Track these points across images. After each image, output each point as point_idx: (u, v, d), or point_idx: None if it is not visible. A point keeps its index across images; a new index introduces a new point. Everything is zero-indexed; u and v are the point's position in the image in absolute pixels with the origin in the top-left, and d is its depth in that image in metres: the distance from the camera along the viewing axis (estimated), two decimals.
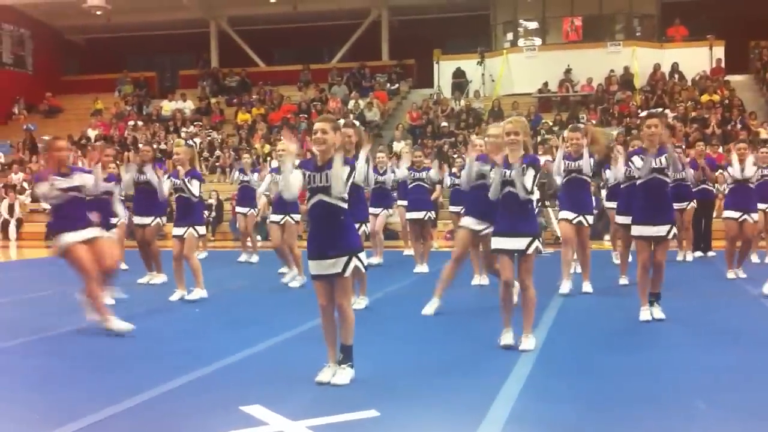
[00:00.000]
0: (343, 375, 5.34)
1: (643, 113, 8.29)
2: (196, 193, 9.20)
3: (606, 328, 7.31)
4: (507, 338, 6.36)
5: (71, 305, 9.27)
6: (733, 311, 8.35)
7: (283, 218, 10.51)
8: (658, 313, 7.43)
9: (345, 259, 5.27)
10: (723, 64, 25.13)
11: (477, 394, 5.04)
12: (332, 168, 5.25)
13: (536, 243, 6.27)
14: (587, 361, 6.01)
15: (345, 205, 5.32)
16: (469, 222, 8.03)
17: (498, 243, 6.39)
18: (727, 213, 10.65)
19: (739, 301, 8.91)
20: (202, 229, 9.45)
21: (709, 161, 13.10)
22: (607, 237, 17.45)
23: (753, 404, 4.86)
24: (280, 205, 10.49)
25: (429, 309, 7.87)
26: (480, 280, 9.95)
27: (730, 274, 10.50)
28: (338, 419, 4.56)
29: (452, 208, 12.89)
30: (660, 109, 9.10)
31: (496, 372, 5.56)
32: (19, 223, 21.76)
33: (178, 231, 9.19)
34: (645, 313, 7.44)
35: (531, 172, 6.19)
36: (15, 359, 6.50)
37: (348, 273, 5.28)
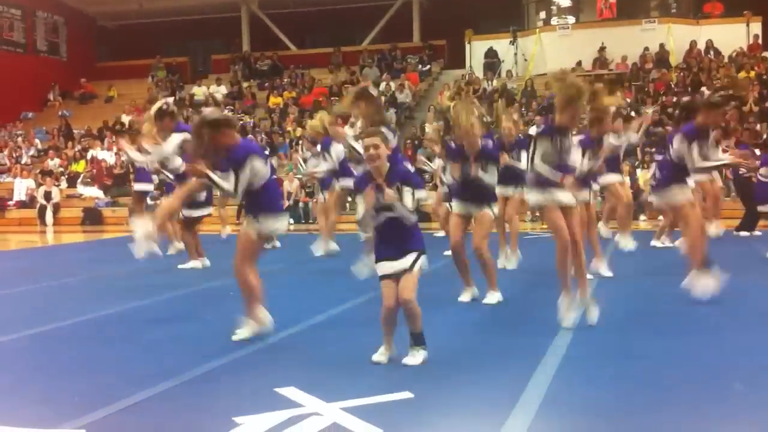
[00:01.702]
0: (417, 356, 5.36)
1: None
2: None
3: (642, 310, 7.23)
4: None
5: (109, 289, 9.40)
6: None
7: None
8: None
9: (414, 255, 5.33)
10: (760, 41, 24.67)
11: (511, 377, 5.01)
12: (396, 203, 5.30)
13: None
14: (623, 344, 5.95)
15: (413, 218, 5.41)
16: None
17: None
18: None
19: None
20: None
21: (743, 148, 13.04)
22: (642, 217, 17.29)
23: None
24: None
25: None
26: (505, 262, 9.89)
27: None
28: (372, 401, 4.56)
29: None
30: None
31: (530, 354, 5.53)
32: (56, 208, 22.03)
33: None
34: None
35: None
36: (53, 343, 6.58)
37: (416, 269, 5.32)
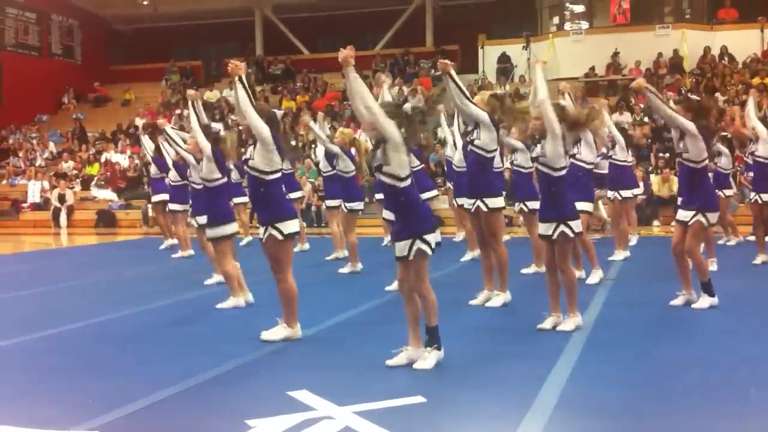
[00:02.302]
0: (428, 359, 5.29)
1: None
2: None
3: (656, 316, 7.19)
4: (549, 322, 6.41)
5: (121, 291, 9.43)
6: None
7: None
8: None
9: (409, 242, 5.26)
10: None
11: (525, 380, 5.00)
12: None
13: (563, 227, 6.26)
14: (637, 349, 5.92)
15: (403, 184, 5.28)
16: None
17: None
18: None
19: None
20: None
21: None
22: (656, 222, 17.21)
23: None
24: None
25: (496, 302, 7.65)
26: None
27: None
28: (385, 405, 4.56)
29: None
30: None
31: (544, 358, 5.51)
32: (70, 210, 22.13)
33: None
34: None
35: None
36: (65, 345, 6.60)
37: (412, 257, 5.25)
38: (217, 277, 8.93)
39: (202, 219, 8.50)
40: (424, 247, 5.27)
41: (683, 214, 7.26)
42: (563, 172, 6.32)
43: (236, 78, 6.12)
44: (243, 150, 6.85)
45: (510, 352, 5.87)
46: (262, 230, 6.23)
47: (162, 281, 9.86)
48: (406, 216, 5.32)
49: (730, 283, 8.24)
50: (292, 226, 6.20)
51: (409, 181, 5.27)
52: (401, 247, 5.29)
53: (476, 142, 7.23)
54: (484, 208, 7.40)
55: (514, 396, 4.70)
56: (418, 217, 5.33)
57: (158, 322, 7.32)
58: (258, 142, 6.12)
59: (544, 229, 6.37)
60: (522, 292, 8.01)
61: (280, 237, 6.15)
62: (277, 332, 6.27)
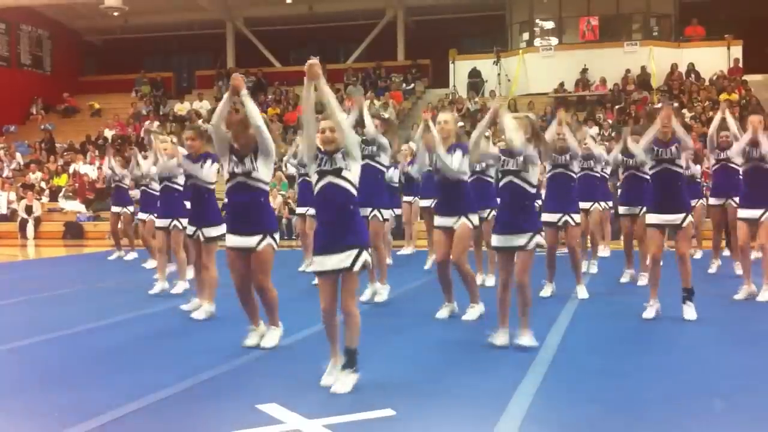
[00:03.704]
0: (346, 381, 5.09)
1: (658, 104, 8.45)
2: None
3: (623, 329, 7.27)
4: (501, 338, 6.37)
5: (90, 304, 9.35)
6: (753, 311, 8.27)
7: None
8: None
9: (355, 252, 5.12)
10: (741, 64, 24.98)
11: (493, 394, 5.03)
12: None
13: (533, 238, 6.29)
14: (604, 363, 5.98)
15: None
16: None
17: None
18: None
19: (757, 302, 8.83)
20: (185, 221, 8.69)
21: None
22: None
23: None
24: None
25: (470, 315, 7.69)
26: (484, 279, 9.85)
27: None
28: (354, 418, 4.56)
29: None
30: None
31: (512, 372, 5.55)
32: (37, 222, 21.90)
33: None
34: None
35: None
36: (31, 358, 6.54)
37: (357, 267, 5.12)
38: (195, 303, 8.34)
39: (184, 221, 8.48)
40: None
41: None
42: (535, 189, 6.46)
43: (243, 93, 6.09)
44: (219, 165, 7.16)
45: (477, 367, 5.90)
46: (255, 240, 6.28)
47: (129, 294, 9.79)
48: (351, 225, 5.21)
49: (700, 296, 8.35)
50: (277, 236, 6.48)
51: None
52: (341, 258, 5.13)
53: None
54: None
55: (482, 410, 4.73)
56: (362, 227, 5.33)
57: (127, 335, 7.27)
58: (262, 154, 6.22)
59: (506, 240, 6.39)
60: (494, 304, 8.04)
61: (275, 246, 6.39)
62: (275, 335, 6.52)
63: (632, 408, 4.79)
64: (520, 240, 6.25)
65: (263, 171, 6.27)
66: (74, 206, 22.65)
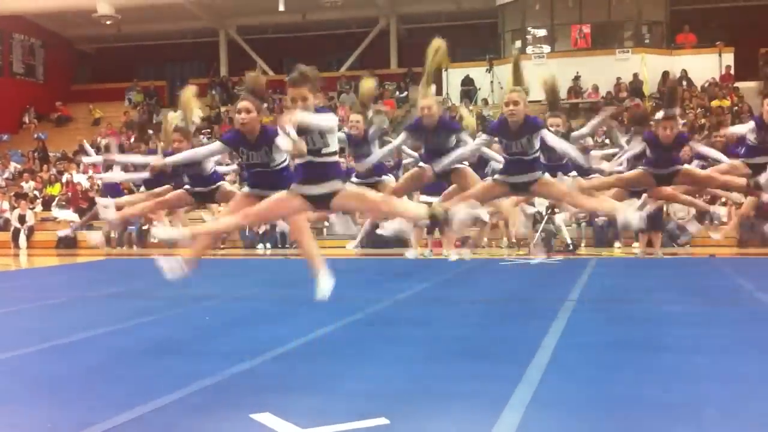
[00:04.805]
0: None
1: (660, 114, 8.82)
2: None
3: (617, 335, 7.27)
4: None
5: (83, 314, 9.32)
6: (753, 315, 8.29)
7: None
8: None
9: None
10: (732, 71, 25.09)
11: (487, 402, 5.02)
12: None
13: None
14: (600, 368, 5.98)
15: None
16: None
17: None
18: None
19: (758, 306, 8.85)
20: None
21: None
22: (617, 244, 17.41)
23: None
24: None
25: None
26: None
27: None
28: (348, 427, 4.55)
29: None
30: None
31: (506, 378, 5.54)
32: (30, 231, 21.85)
33: None
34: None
35: None
36: (25, 367, 6.50)
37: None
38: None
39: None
40: None
41: None
42: None
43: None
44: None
45: (471, 375, 5.89)
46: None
47: (122, 303, 9.76)
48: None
49: (692, 299, 8.37)
50: None
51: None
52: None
53: None
54: None
55: (476, 417, 4.72)
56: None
57: (119, 345, 7.24)
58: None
59: None
60: (488, 308, 8.05)
61: None
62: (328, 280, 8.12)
63: (628, 415, 4.78)
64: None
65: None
66: (67, 215, 22.59)
